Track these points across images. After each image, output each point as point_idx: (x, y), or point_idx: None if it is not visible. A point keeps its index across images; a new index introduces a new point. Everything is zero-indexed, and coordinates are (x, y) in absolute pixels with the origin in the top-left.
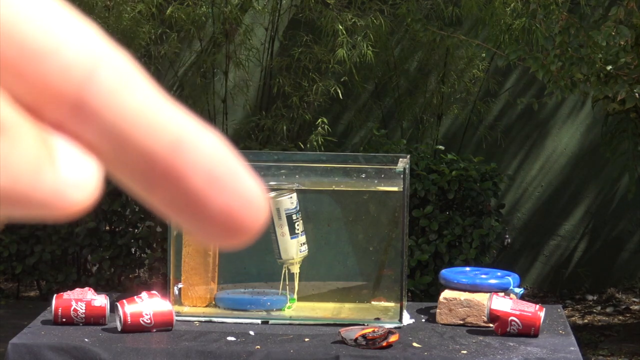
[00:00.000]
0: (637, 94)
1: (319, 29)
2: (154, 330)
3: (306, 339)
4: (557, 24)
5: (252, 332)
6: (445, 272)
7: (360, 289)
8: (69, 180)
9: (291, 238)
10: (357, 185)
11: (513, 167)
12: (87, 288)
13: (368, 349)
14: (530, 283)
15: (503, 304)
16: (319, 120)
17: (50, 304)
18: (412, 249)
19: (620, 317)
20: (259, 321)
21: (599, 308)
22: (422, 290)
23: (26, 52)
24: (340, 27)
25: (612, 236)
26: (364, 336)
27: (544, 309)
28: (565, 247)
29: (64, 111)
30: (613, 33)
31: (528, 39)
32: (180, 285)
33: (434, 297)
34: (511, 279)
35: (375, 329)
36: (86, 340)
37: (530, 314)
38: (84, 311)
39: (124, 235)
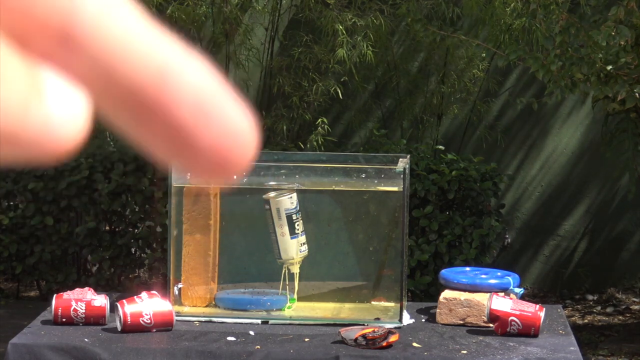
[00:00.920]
0: (637, 94)
1: (319, 29)
2: (154, 330)
3: (306, 339)
4: (557, 23)
5: (252, 332)
6: (445, 272)
7: (360, 289)
8: (58, 114)
9: (291, 238)
10: (357, 185)
11: (513, 167)
12: (87, 288)
13: (368, 349)
14: (530, 283)
15: (503, 304)
16: (319, 120)
17: (50, 304)
18: (412, 249)
19: (620, 317)
20: (259, 321)
21: (599, 308)
22: (422, 290)
23: None
24: (340, 27)
25: (612, 236)
26: (364, 336)
27: (544, 309)
28: (565, 247)
29: (50, 42)
30: (613, 33)
31: (528, 39)
32: (180, 285)
33: (434, 297)
34: (511, 279)
35: (375, 329)
36: (86, 340)
37: (530, 314)
38: (84, 311)
39: (124, 235)
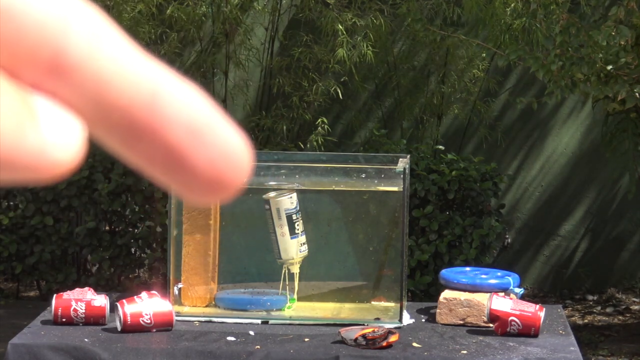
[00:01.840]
0: (637, 94)
1: (319, 29)
2: (154, 330)
3: (306, 339)
4: (557, 23)
5: (252, 332)
6: (445, 272)
7: (360, 289)
8: (53, 139)
9: (291, 238)
10: (357, 185)
11: (513, 167)
12: (87, 288)
13: (368, 349)
14: (530, 283)
15: (503, 304)
16: (319, 120)
17: (50, 304)
18: (412, 249)
19: (620, 317)
20: (259, 321)
21: (599, 308)
22: (422, 290)
23: None
24: (340, 27)
25: (612, 236)
26: (364, 336)
27: (544, 309)
28: (566, 247)
29: (40, 72)
30: (613, 33)
31: (528, 39)
32: (180, 285)
33: (434, 297)
34: (511, 279)
35: (375, 329)
36: (86, 340)
37: (530, 314)
38: (83, 311)
39: (124, 235)
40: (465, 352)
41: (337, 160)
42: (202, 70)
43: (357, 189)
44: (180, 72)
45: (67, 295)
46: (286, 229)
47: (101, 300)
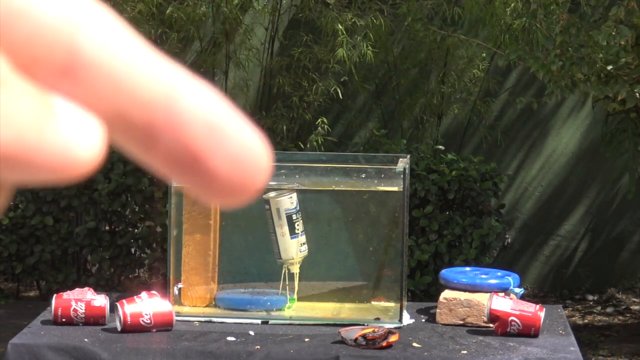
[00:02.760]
0: (637, 94)
1: (319, 29)
2: (154, 330)
3: (306, 339)
4: (557, 23)
5: (252, 332)
6: (445, 272)
7: (360, 289)
8: (73, 138)
9: (291, 238)
10: (357, 185)
11: (513, 167)
12: (87, 288)
13: (368, 349)
14: (530, 283)
15: (503, 304)
16: (319, 120)
17: (50, 304)
18: (412, 249)
19: (620, 317)
20: (259, 321)
21: (599, 308)
22: (422, 290)
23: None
24: (340, 27)
25: (612, 236)
26: (364, 336)
27: (544, 309)
28: (566, 247)
29: (53, 75)
30: (613, 33)
31: (528, 39)
32: (180, 285)
33: (434, 297)
34: (511, 279)
35: (375, 329)
36: (86, 340)
37: (530, 314)
38: (83, 311)
39: (124, 235)
40: (465, 352)
41: (337, 160)
42: (202, 70)
43: (357, 189)
44: None
45: (67, 295)
46: (286, 229)
47: (101, 300)
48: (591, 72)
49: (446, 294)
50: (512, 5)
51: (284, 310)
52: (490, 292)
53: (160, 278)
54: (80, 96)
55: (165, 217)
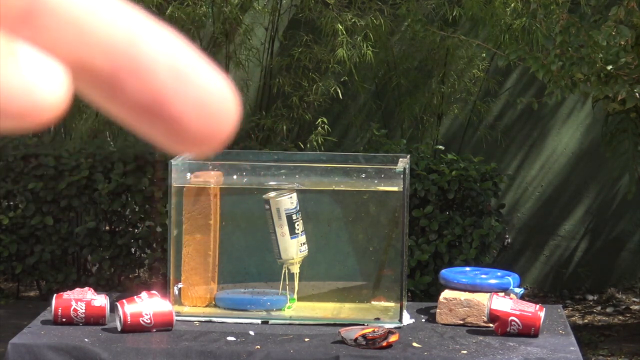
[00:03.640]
0: (637, 94)
1: (319, 29)
2: (154, 330)
3: (306, 339)
4: (557, 23)
5: (252, 332)
6: (445, 272)
7: (360, 289)
8: (37, 82)
9: (291, 238)
10: (357, 185)
11: (513, 167)
12: (87, 288)
13: (368, 349)
14: (530, 283)
15: (503, 304)
16: (319, 120)
17: (50, 304)
18: (412, 249)
19: (620, 317)
20: (259, 321)
21: (599, 308)
22: (422, 290)
23: None
24: (340, 27)
25: (612, 236)
26: (364, 336)
27: (544, 309)
28: (566, 247)
29: (14, 20)
30: (613, 33)
31: (528, 39)
32: (180, 285)
33: (434, 297)
34: (511, 279)
35: (375, 329)
36: (86, 340)
37: (530, 314)
38: (83, 311)
39: (124, 235)
40: (465, 352)
41: (337, 160)
42: None
43: (357, 189)
44: None
45: (67, 295)
46: (286, 229)
47: (101, 300)
48: (591, 72)
49: (446, 294)
50: (512, 5)
51: (284, 310)
52: (490, 292)
53: (160, 278)
54: (42, 42)
55: (165, 217)
